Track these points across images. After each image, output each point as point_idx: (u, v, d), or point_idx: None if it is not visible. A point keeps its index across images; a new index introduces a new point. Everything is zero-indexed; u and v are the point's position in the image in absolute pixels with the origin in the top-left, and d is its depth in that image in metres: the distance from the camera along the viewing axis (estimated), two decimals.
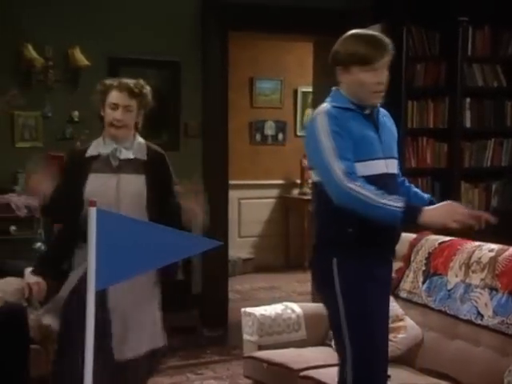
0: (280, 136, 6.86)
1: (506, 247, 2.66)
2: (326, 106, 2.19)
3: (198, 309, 4.43)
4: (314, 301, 4.70)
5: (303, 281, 5.69)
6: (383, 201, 2.03)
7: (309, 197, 5.49)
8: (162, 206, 2.55)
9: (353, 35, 2.22)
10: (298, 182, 6.76)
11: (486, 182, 4.80)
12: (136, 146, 2.62)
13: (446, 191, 4.67)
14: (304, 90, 6.52)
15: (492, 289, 2.56)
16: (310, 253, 2.32)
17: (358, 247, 2.13)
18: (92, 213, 1.55)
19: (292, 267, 6.50)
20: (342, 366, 2.19)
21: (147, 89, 2.64)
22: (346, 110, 2.15)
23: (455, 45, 4.57)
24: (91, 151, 2.59)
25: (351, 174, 2.05)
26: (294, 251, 6.65)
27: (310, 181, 2.71)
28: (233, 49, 6.09)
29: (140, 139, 2.68)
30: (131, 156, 2.58)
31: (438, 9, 4.48)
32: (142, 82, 2.65)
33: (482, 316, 2.55)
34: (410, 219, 2.05)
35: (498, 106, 4.79)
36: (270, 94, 6.80)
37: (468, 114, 4.70)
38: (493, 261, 2.61)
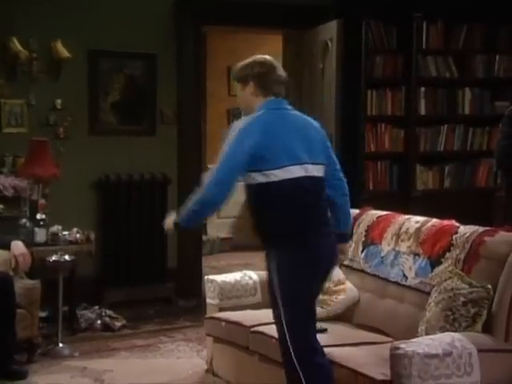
0: None
1: (429, 219, 2.95)
2: None
3: (174, 282, 4.66)
4: None
5: None
6: None
7: None
8: None
9: None
10: None
11: (439, 165, 5.07)
12: None
13: (403, 173, 4.97)
14: None
15: (415, 254, 2.87)
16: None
17: None
18: None
19: None
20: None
21: None
22: None
23: (410, 38, 4.83)
24: None
25: None
26: None
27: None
28: (212, 40, 6.26)
29: None
30: None
31: (395, 5, 4.75)
32: None
33: (407, 278, 2.87)
34: None
35: (450, 94, 5.05)
36: None
37: (423, 103, 4.96)
38: (418, 231, 2.92)
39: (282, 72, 2.50)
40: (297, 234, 2.39)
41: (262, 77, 2.44)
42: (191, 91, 4.82)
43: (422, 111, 4.98)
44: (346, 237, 2.69)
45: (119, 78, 4.62)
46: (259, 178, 2.36)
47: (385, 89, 4.90)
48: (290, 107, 2.50)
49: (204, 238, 5.74)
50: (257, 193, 2.39)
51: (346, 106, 4.48)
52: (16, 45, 4.27)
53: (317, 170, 2.44)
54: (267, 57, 2.54)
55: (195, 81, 4.86)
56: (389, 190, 4.96)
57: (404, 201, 4.78)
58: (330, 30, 4.52)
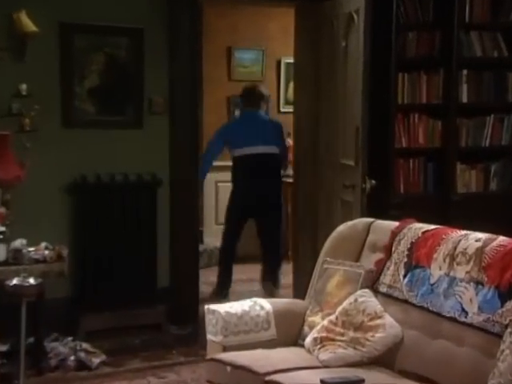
0: None
1: (494, 236, 2.65)
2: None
3: (165, 304, 4.48)
4: (294, 294, 4.80)
5: (285, 272, 5.75)
6: None
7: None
8: None
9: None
10: None
11: (484, 163, 4.87)
12: None
13: (441, 173, 4.76)
14: (288, 60, 6.53)
15: (478, 283, 2.55)
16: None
17: None
18: None
19: None
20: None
21: None
22: None
23: (451, 10, 4.60)
24: None
25: None
26: None
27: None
28: (209, 15, 6.31)
29: None
30: None
31: None
32: None
33: (467, 313, 2.56)
34: None
35: (498, 78, 4.83)
36: (250, 65, 6.87)
37: (465, 88, 4.74)
38: (479, 252, 2.60)
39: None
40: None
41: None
42: (185, 75, 4.65)
43: (464, 98, 4.75)
44: None
45: (98, 58, 4.45)
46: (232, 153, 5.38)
47: (419, 72, 4.67)
48: (257, 114, 5.39)
49: (200, 248, 5.56)
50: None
51: (373, 93, 4.21)
52: None
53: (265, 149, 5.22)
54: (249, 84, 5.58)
55: (190, 63, 4.68)
56: (423, 193, 4.75)
57: (442, 206, 4.61)
58: (355, 0, 4.19)
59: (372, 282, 2.99)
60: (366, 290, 2.95)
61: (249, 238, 6.70)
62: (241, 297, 3.75)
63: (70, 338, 3.97)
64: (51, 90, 4.28)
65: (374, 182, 4.08)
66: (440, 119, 4.71)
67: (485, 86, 4.78)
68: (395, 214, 3.98)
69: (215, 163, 6.68)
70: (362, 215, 3.83)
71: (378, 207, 4.02)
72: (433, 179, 4.74)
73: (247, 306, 3.06)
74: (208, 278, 5.66)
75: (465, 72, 4.71)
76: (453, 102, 4.67)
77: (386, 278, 2.96)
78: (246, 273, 6.05)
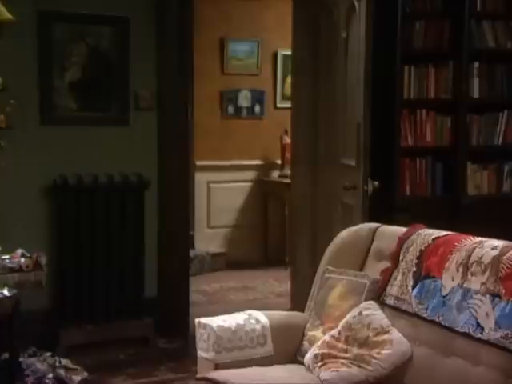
0: (257, 108, 7.02)
1: None
2: None
3: (153, 315, 4.49)
4: (292, 303, 4.78)
5: (283, 279, 5.80)
6: None
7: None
8: None
9: None
10: (279, 162, 6.91)
11: (496, 163, 4.83)
12: None
13: (450, 174, 4.75)
14: (285, 53, 6.60)
15: (494, 295, 2.49)
16: None
17: None
18: None
19: (270, 263, 6.66)
20: None
21: None
22: None
23: None
24: None
25: None
26: (272, 244, 6.82)
27: None
28: (200, 4, 6.46)
29: None
30: None
31: None
32: None
33: (483, 328, 2.50)
34: None
35: None
36: (244, 57, 6.93)
37: (476, 82, 4.73)
38: (496, 261, 2.53)
39: None
40: None
41: None
42: (175, 68, 4.68)
43: (475, 93, 4.73)
44: None
45: (80, 49, 4.46)
46: None
47: (427, 64, 4.65)
48: None
49: (191, 253, 5.58)
50: None
51: (376, 87, 4.19)
52: None
53: None
54: None
55: (180, 55, 4.71)
56: (431, 195, 4.73)
57: (451, 210, 4.60)
58: None
59: (378, 294, 2.96)
60: (372, 302, 2.92)
61: (250, 243, 6.87)
62: (234, 307, 3.73)
63: (48, 354, 3.93)
64: (28, 83, 4.28)
65: (376, 183, 4.07)
66: (449, 116, 4.69)
67: (498, 80, 4.77)
68: (400, 218, 4.04)
69: (207, 163, 6.76)
70: (364, 219, 3.82)
71: (381, 210, 4.02)
72: (441, 180, 4.73)
73: (242, 319, 3.01)
74: (199, 286, 5.73)
75: (476, 64, 4.69)
76: (463, 97, 4.65)
77: (393, 289, 2.91)
78: (241, 280, 6.10)
